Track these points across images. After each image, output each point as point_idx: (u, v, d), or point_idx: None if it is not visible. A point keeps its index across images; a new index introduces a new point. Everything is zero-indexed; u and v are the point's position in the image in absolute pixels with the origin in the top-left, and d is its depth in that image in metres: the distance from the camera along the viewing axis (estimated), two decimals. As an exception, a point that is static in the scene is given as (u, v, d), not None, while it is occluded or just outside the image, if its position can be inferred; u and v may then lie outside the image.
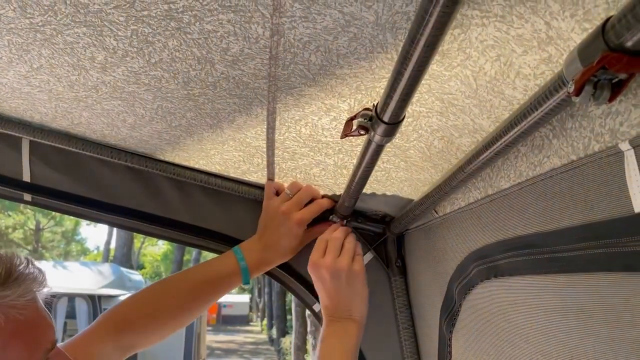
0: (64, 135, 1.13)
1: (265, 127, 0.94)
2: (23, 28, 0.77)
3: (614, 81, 0.48)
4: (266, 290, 27.53)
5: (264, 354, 21.21)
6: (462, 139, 0.80)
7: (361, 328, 0.98)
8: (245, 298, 40.74)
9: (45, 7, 0.71)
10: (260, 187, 1.18)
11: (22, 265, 0.67)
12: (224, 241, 1.20)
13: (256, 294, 38.49)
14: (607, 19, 0.45)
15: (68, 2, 0.70)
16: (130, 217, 1.18)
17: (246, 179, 1.17)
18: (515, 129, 0.63)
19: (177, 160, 1.15)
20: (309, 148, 0.98)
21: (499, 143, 0.68)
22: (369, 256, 1.21)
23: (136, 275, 14.00)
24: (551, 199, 0.63)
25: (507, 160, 0.73)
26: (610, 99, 0.48)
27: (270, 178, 1.14)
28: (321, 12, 0.65)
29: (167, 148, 1.11)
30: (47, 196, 1.17)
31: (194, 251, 30.54)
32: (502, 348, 0.79)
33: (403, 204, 1.09)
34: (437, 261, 1.01)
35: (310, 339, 13.56)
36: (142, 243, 35.73)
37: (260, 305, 34.96)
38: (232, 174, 1.16)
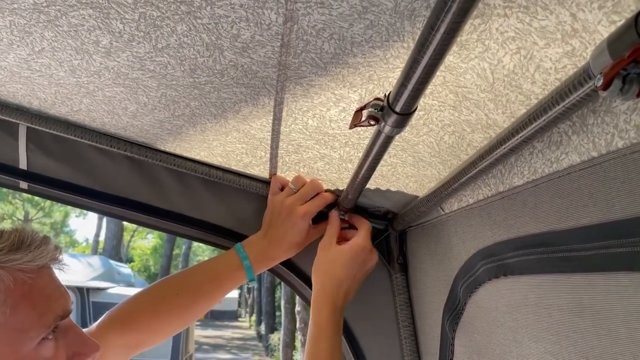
0: (62, 123, 1.10)
1: (272, 118, 0.92)
2: (26, 9, 0.74)
3: (643, 75, 0.47)
4: (255, 286, 27.50)
5: (252, 350, 21.18)
6: (474, 135, 0.79)
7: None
8: (234, 293, 40.68)
9: (51, -13, 0.69)
10: (262, 181, 1.16)
11: (37, 237, 0.71)
12: (223, 234, 1.18)
13: (245, 289, 38.46)
14: (641, 11, 0.44)
15: (74, -18, 0.67)
16: (128, 208, 1.16)
17: (248, 172, 1.15)
18: (533, 125, 0.62)
19: (177, 151, 1.13)
20: (314, 141, 0.97)
21: (515, 139, 0.67)
22: (369, 253, 1.19)
23: (125, 269, 13.91)
24: (568, 196, 0.62)
25: (521, 157, 0.72)
26: (639, 94, 0.47)
27: (273, 171, 1.12)
28: (338, -2, 0.63)
29: (168, 138, 1.08)
30: (44, 184, 1.14)
31: (183, 245, 30.37)
32: (509, 348, 0.77)
33: (407, 200, 1.08)
34: (442, 259, 1.00)
35: (299, 335, 13.55)
36: (132, 236, 35.50)
37: (249, 301, 34.92)
38: (234, 166, 1.14)
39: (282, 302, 18.48)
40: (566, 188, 0.63)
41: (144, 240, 41.10)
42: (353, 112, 0.76)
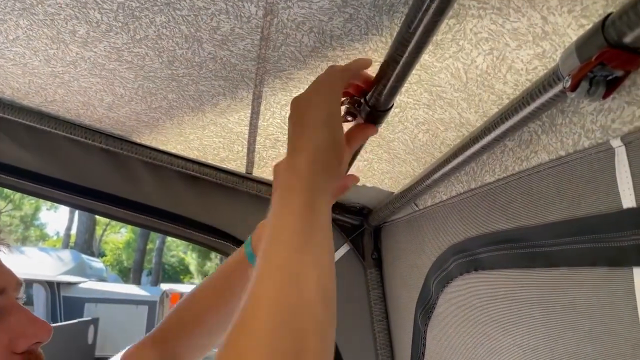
0: (35, 113, 1.08)
1: (250, 112, 0.92)
2: (-1, -4, 0.73)
3: (609, 78, 0.49)
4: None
5: (226, 346, 21.04)
6: (447, 133, 0.80)
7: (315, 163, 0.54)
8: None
9: (26, -26, 0.68)
10: (238, 175, 1.16)
11: None
12: (198, 228, 1.18)
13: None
14: (607, 16, 0.46)
15: (51, -30, 0.66)
16: (102, 201, 1.15)
17: (224, 166, 1.15)
18: (505, 124, 0.64)
19: (153, 144, 1.12)
20: (292, 136, 0.97)
21: (487, 137, 0.69)
22: (345, 248, 1.21)
23: (97, 263, 13.66)
24: (537, 193, 0.64)
25: (492, 155, 0.74)
26: (605, 96, 0.49)
27: (250, 167, 1.12)
28: (318, -7, 0.64)
29: (144, 131, 1.07)
30: (14, 175, 1.12)
31: (157, 240, 30.02)
32: (480, 340, 0.80)
33: (383, 196, 1.10)
34: (415, 254, 1.02)
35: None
36: (104, 230, 34.89)
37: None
38: (211, 160, 1.13)
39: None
40: (535, 186, 0.65)
41: (117, 235, 40.46)
42: (331, 107, 0.77)
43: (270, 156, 1.07)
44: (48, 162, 1.13)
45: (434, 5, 0.52)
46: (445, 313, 0.91)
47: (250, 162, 1.10)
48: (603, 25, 0.46)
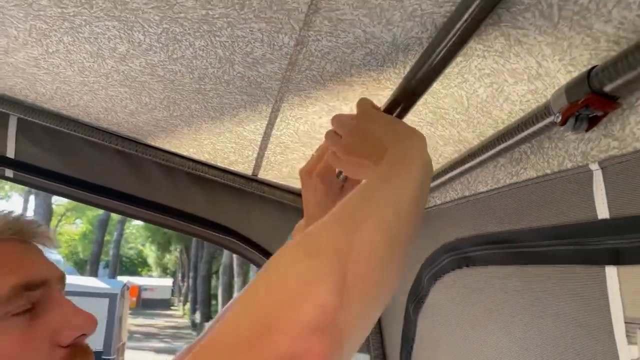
0: (55, 116, 1.14)
1: (266, 123, 1.02)
2: (52, 16, 0.80)
3: (590, 116, 0.62)
4: (191, 274, 27.12)
5: (186, 339, 20.90)
6: (446, 147, 0.93)
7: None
8: (167, 282, 39.85)
9: (83, 1, 0.75)
10: (244, 177, 1.25)
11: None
12: (206, 226, 1.27)
13: (179, 277, 37.79)
14: (592, 68, 0.59)
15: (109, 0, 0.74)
16: (117, 199, 1.22)
17: (232, 168, 1.24)
18: (500, 145, 0.77)
19: (167, 147, 1.20)
20: (301, 143, 1.07)
21: (483, 155, 0.81)
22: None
23: (53, 254, 13.33)
24: (525, 203, 0.77)
25: (486, 169, 0.87)
26: (587, 130, 0.62)
27: (257, 169, 1.21)
28: (346, 30, 0.74)
29: (160, 135, 1.15)
30: (31, 173, 1.18)
31: (115, 232, 29.37)
32: (468, 328, 0.93)
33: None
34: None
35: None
36: (59, 221, 33.90)
37: (183, 290, 34.36)
38: (220, 163, 1.22)
39: (220, 291, 18.36)
40: (523, 197, 0.78)
41: (72, 226, 39.37)
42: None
43: (277, 161, 1.16)
44: (64, 161, 1.19)
45: (443, 52, 0.64)
46: (436, 304, 1.04)
47: (257, 166, 1.20)
48: (589, 75, 0.58)
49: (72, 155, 1.20)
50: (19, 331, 0.58)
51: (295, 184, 1.29)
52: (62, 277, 0.67)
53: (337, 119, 0.75)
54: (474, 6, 0.61)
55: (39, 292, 0.61)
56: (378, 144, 0.66)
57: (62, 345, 0.60)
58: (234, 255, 14.96)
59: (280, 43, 0.79)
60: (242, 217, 1.29)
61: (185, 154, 1.21)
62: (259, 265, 1.34)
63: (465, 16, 0.62)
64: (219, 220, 1.27)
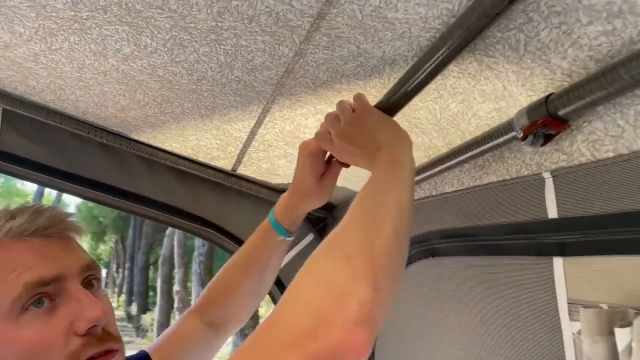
0: (41, 109, 1.17)
1: (254, 122, 1.10)
2: (64, 18, 0.85)
3: (545, 133, 0.75)
4: (127, 265, 26.39)
5: (122, 331, 20.30)
6: (417, 153, 1.05)
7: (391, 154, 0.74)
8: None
9: (98, 7, 0.81)
10: (225, 172, 1.33)
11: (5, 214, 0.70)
12: (186, 217, 1.33)
13: (114, 268, 36.64)
14: (550, 94, 0.72)
15: (123, 6, 0.80)
16: (100, 190, 1.26)
17: (213, 163, 1.31)
18: (467, 154, 0.89)
19: (151, 142, 1.25)
20: (284, 142, 1.17)
21: (450, 161, 0.94)
22: (311, 236, 1.42)
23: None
24: (486, 203, 0.91)
25: (452, 173, 1.00)
26: (542, 145, 0.75)
27: (237, 165, 1.29)
28: (342, 45, 0.84)
29: (147, 130, 1.21)
30: (15, 163, 1.20)
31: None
32: (429, 311, 1.06)
33: (349, 194, 1.32)
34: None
35: (175, 315, 13.41)
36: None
37: (118, 281, 33.31)
38: (202, 158, 1.29)
39: (159, 282, 17.99)
40: (485, 197, 0.91)
41: None
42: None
43: (259, 157, 1.25)
44: (49, 152, 1.22)
45: (426, 72, 0.75)
46: (403, 290, 1.17)
47: (238, 161, 1.28)
48: (546, 101, 0.72)
49: (56, 146, 1.23)
50: (40, 322, 0.64)
51: (272, 179, 1.37)
52: (85, 267, 0.71)
53: (342, 105, 0.84)
54: (456, 36, 0.72)
55: (53, 287, 0.66)
56: (372, 138, 0.77)
57: (78, 334, 0.66)
58: (175, 247, 14.76)
59: (280, 53, 0.88)
60: (219, 209, 1.36)
61: (168, 148, 1.27)
62: (231, 253, 1.41)
63: (448, 44, 0.73)
64: (198, 212, 1.34)
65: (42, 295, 0.65)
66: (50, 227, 0.70)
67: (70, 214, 0.74)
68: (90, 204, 18.53)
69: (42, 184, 1.24)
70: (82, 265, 0.71)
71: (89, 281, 0.72)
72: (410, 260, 1.11)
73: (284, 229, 0.98)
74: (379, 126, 0.79)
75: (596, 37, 0.62)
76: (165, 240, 15.83)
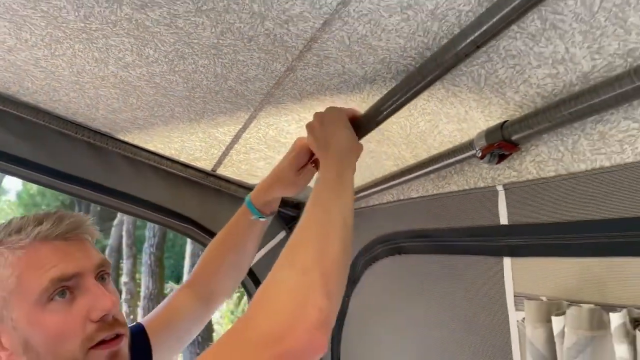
0: (31, 109, 1.21)
1: (241, 127, 1.19)
2: (73, 28, 0.91)
3: (500, 153, 0.89)
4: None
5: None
6: (387, 161, 1.17)
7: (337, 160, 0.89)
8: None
9: (109, 21, 0.88)
10: (205, 172, 1.41)
11: (26, 221, 0.81)
12: (166, 214, 1.41)
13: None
14: (505, 122, 0.85)
15: (133, 22, 0.88)
16: (85, 187, 1.31)
17: (194, 164, 1.39)
18: (432, 166, 1.02)
19: (136, 142, 1.32)
20: (266, 145, 1.26)
21: (417, 172, 1.07)
22: (283, 233, 1.53)
23: None
24: (447, 209, 1.04)
25: (418, 181, 1.13)
26: (497, 162, 0.89)
27: (217, 165, 1.38)
28: (329, 64, 0.94)
29: (134, 131, 1.27)
30: (2, 159, 1.24)
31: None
32: (395, 303, 1.19)
33: (321, 196, 1.44)
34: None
35: (124, 306, 13.14)
36: None
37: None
38: (184, 158, 1.37)
39: (105, 274, 17.40)
40: (447, 204, 1.05)
41: None
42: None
43: (239, 159, 1.34)
44: (35, 149, 1.26)
45: (403, 97, 0.87)
46: (368, 285, 1.29)
47: (219, 162, 1.37)
48: (502, 127, 0.85)
49: (43, 144, 1.27)
50: (62, 310, 0.76)
51: (249, 179, 1.47)
52: (98, 265, 0.82)
53: (328, 109, 0.95)
54: (430, 70, 0.84)
55: (73, 281, 0.78)
56: (326, 143, 0.90)
57: (93, 320, 0.78)
58: (123, 237, 14.43)
59: (272, 68, 0.98)
60: (199, 207, 1.45)
61: (153, 149, 1.34)
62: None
63: (424, 73, 0.85)
64: (178, 209, 1.41)
65: (65, 288, 0.77)
66: (71, 232, 0.81)
67: (87, 219, 0.84)
68: (32, 191, 17.79)
69: (29, 179, 1.28)
70: (96, 263, 0.82)
71: (102, 276, 0.83)
72: (376, 258, 1.24)
73: (257, 209, 1.10)
74: (338, 129, 0.91)
75: (543, 78, 0.76)
76: (113, 230, 15.43)
